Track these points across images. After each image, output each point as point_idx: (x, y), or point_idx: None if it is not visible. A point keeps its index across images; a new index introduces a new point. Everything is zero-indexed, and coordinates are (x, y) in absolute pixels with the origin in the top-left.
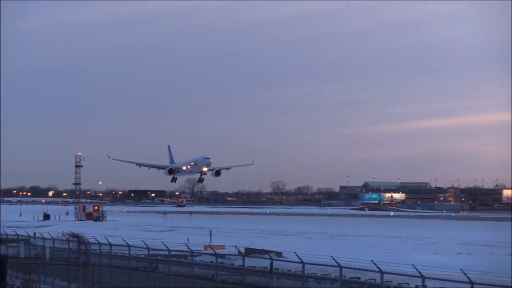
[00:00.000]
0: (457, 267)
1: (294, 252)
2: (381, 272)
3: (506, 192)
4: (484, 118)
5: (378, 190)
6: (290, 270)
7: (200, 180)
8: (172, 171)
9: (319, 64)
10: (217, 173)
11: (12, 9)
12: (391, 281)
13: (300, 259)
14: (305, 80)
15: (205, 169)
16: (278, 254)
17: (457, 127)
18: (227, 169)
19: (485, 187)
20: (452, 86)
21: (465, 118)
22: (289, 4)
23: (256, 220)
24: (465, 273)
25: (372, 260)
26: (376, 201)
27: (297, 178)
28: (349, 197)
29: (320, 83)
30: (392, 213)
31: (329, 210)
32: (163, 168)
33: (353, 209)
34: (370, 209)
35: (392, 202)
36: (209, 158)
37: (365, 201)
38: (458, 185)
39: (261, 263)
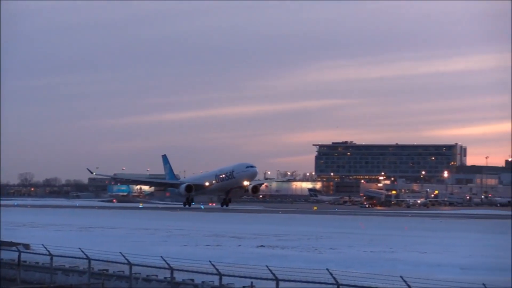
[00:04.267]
0: (206, 259)
1: (42, 244)
2: (130, 264)
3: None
4: (233, 110)
5: (127, 182)
6: (38, 263)
7: (226, 202)
8: (191, 189)
9: (64, 55)
10: (255, 189)
11: None
12: (139, 273)
13: (48, 251)
14: (51, 70)
15: (246, 183)
16: (26, 246)
17: (208, 119)
18: (261, 184)
19: None
20: (199, 78)
21: (217, 110)
22: None
23: (3, 212)
24: (213, 265)
25: (121, 252)
26: (125, 193)
27: (46, 169)
28: (98, 189)
29: (66, 74)
30: (141, 205)
31: (78, 202)
32: (172, 185)
33: (102, 201)
34: (119, 201)
35: (141, 194)
36: (254, 167)
37: (114, 193)
38: None
39: (9, 255)
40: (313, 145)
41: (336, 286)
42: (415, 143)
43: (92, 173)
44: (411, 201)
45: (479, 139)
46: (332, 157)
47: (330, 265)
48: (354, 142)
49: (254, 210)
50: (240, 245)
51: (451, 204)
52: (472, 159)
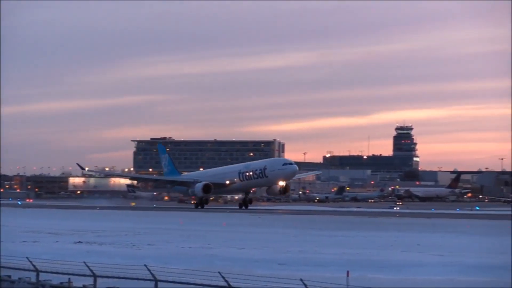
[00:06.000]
0: (23, 255)
1: None
2: None
3: (72, 180)
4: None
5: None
6: None
7: (245, 203)
8: (209, 189)
9: None
10: (285, 189)
11: None
12: None
13: None
14: None
15: (282, 183)
16: None
17: (25, 114)
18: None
19: (52, 174)
20: (18, 73)
21: (35, 105)
22: None
23: None
24: (31, 261)
25: None
26: None
27: None
28: None
29: None
30: None
31: None
32: (182, 183)
33: None
34: None
35: None
36: (293, 164)
37: None
38: (24, 172)
39: None
40: (132, 140)
41: (154, 282)
42: (234, 139)
43: (83, 169)
44: (229, 197)
45: (297, 135)
46: (150, 152)
47: (148, 261)
48: (172, 138)
49: (71, 206)
50: (57, 241)
51: (269, 200)
52: (290, 155)
